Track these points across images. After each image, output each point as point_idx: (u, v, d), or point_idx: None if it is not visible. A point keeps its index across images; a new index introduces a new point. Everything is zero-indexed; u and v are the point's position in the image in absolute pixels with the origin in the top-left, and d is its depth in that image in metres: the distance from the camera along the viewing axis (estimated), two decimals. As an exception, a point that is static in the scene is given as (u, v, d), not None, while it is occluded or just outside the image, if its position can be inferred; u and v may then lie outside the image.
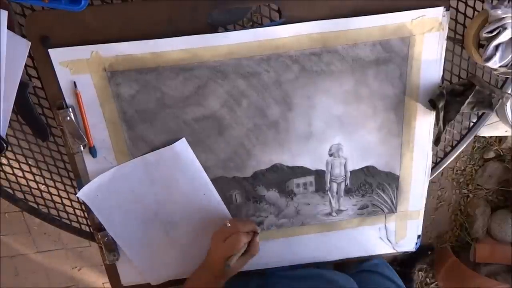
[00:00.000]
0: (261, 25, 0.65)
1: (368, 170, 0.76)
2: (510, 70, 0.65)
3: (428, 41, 0.66)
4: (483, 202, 1.71)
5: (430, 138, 0.74)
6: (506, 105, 0.93)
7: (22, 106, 0.66)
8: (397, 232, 0.83)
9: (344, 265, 0.84)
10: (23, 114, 0.68)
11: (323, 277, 0.75)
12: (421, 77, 0.69)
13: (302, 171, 0.74)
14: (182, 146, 0.69)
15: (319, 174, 0.75)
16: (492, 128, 1.13)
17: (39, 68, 0.64)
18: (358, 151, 0.74)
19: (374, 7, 0.64)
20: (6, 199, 0.76)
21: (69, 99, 0.65)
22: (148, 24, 0.62)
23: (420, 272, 1.82)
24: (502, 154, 1.65)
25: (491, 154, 1.66)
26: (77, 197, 0.71)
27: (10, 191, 0.76)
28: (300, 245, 0.81)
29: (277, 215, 0.78)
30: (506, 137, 1.59)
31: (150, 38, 0.62)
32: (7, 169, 0.75)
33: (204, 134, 0.69)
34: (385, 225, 0.81)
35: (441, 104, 0.67)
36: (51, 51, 0.61)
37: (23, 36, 0.61)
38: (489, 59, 0.63)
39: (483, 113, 0.80)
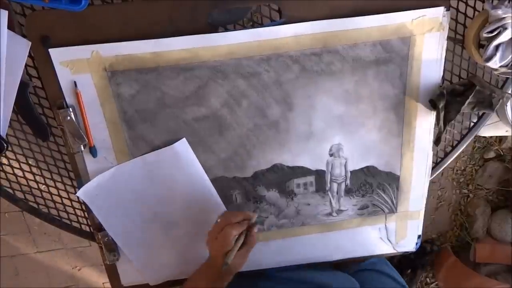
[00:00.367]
0: (261, 25, 0.65)
1: (369, 170, 0.76)
2: (510, 70, 0.65)
3: (428, 41, 0.66)
4: (483, 202, 1.71)
5: (430, 138, 0.74)
6: (506, 105, 0.93)
7: (23, 106, 0.66)
8: (398, 232, 0.83)
9: (344, 265, 0.84)
10: (24, 114, 0.68)
11: (313, 282, 0.74)
12: (421, 77, 0.69)
13: (303, 171, 0.74)
14: (183, 146, 0.69)
15: (319, 174, 0.75)
16: (493, 128, 1.13)
17: (39, 68, 0.64)
18: (359, 151, 0.74)
19: (374, 7, 0.64)
20: (6, 199, 0.76)
21: (69, 99, 0.65)
22: (148, 24, 0.62)
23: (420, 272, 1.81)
24: (502, 154, 1.65)
25: (491, 154, 1.66)
26: (77, 197, 0.71)
27: (10, 191, 0.76)
28: (301, 246, 0.81)
29: (278, 215, 0.78)
30: (506, 137, 1.59)
31: (150, 38, 0.62)
32: (7, 169, 0.75)
33: (205, 134, 0.69)
34: (385, 225, 0.81)
35: (441, 104, 0.67)
36: (51, 51, 0.61)
37: (24, 36, 0.61)
38: (489, 59, 0.63)
39: (483, 113, 0.80)
